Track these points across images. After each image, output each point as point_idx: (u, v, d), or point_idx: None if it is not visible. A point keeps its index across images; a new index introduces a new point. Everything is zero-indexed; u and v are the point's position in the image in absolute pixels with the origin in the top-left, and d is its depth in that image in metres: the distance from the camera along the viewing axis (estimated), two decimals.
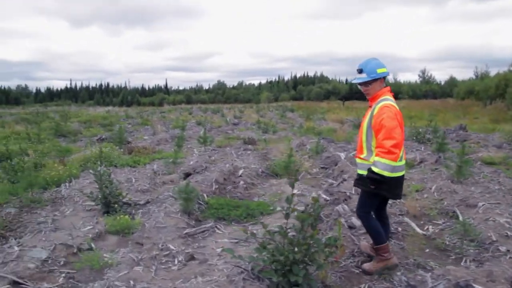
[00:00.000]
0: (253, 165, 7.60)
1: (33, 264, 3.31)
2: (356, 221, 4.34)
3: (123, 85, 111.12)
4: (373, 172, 2.98)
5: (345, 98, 53.54)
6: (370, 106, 3.28)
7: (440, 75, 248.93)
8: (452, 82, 66.69)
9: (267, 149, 9.90)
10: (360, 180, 3.29)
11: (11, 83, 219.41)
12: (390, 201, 4.61)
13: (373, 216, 3.37)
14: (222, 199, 5.30)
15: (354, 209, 4.76)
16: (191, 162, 7.94)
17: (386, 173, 2.92)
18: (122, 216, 4.53)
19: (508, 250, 3.53)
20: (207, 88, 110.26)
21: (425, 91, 67.40)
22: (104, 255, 3.75)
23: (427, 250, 3.90)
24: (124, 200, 5.13)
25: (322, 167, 7.93)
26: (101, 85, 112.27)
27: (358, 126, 14.39)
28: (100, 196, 4.84)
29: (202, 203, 5.06)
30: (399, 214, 4.89)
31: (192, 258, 3.62)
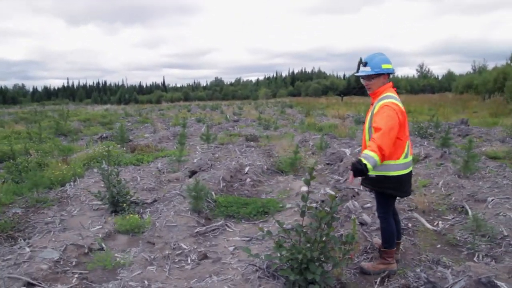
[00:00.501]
0: (258, 162, 7.57)
1: (45, 265, 3.29)
2: (367, 218, 4.33)
3: (120, 83, 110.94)
4: (359, 162, 2.75)
5: (343, 93, 53.44)
6: (372, 104, 3.18)
7: (438, 69, 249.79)
8: (450, 76, 66.89)
9: (270, 146, 9.86)
10: (367, 180, 3.23)
11: (8, 83, 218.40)
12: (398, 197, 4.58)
13: (392, 219, 3.31)
14: (231, 197, 5.28)
15: (364, 206, 4.78)
16: (195, 160, 7.90)
17: (371, 167, 2.74)
18: (131, 215, 4.51)
19: None
20: (204, 85, 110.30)
21: (423, 86, 67.53)
22: (116, 255, 3.73)
23: (439, 246, 3.89)
24: (131, 199, 5.11)
25: (327, 163, 7.91)
26: (98, 83, 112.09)
27: (359, 121, 14.40)
28: (108, 196, 4.81)
29: (210, 201, 5.04)
30: (408, 210, 4.89)
31: (205, 257, 3.60)
